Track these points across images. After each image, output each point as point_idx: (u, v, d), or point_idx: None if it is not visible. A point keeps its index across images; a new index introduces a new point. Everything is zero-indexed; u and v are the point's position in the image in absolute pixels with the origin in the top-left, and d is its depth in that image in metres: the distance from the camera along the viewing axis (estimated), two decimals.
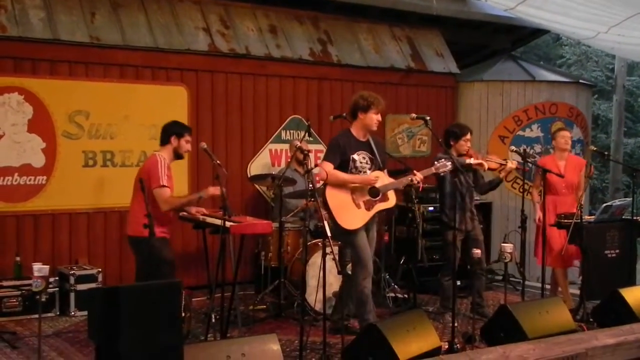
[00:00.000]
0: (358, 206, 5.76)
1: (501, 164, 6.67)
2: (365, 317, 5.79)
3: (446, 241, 6.63)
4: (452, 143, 6.69)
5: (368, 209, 5.79)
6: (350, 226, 5.72)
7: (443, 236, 6.72)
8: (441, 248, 7.02)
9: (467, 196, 6.66)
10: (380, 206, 5.86)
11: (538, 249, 6.94)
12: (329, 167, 5.72)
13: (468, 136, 6.71)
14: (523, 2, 7.93)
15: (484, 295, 6.90)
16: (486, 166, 6.57)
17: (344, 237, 5.75)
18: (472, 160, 6.47)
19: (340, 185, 5.73)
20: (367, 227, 5.87)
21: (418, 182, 5.84)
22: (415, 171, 5.89)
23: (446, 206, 6.65)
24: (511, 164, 6.64)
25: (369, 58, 9.11)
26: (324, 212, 5.35)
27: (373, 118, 5.82)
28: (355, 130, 5.91)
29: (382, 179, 5.86)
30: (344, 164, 5.78)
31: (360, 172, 5.82)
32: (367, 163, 5.86)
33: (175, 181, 5.74)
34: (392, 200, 5.97)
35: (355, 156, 5.81)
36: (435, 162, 6.14)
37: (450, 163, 5.99)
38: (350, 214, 5.73)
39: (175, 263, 5.67)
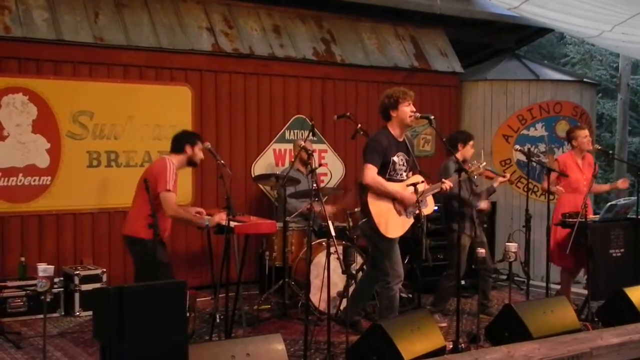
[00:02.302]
0: (399, 213, 5.55)
1: (496, 175, 7.15)
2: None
3: (452, 245, 6.64)
4: (460, 148, 6.74)
5: (408, 215, 5.59)
6: (393, 234, 5.55)
7: (450, 240, 6.74)
8: (446, 248, 7.05)
9: (474, 205, 6.73)
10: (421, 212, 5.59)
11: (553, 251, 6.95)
12: (373, 171, 5.46)
13: (472, 142, 6.92)
14: (527, 0, 7.90)
15: (490, 296, 6.91)
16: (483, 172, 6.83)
17: (380, 242, 5.60)
18: (498, 179, 7.01)
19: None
20: None
21: (448, 189, 5.74)
22: (444, 179, 5.75)
23: (456, 213, 6.61)
24: (506, 177, 7.16)
25: (373, 57, 9.11)
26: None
27: (406, 111, 5.57)
28: (393, 129, 5.64)
29: (421, 183, 5.60)
30: (384, 166, 5.52)
31: (398, 174, 5.62)
32: (404, 165, 5.66)
33: (179, 181, 5.74)
34: (431, 205, 5.79)
35: (395, 158, 5.57)
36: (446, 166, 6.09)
37: (482, 164, 6.03)
38: (393, 221, 5.54)
39: (171, 265, 5.65)
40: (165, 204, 5.39)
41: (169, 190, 5.43)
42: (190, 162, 5.81)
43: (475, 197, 6.84)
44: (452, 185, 5.72)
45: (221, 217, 5.58)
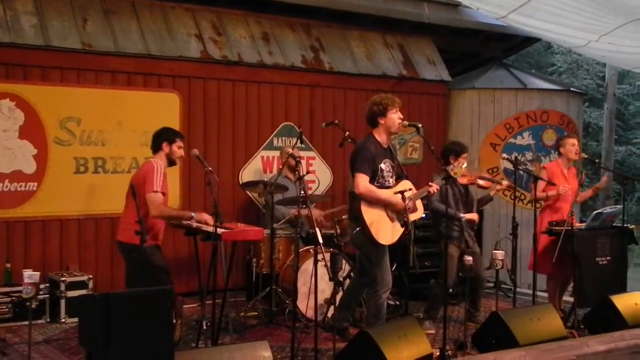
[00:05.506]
0: (392, 219, 5.53)
1: (493, 182, 6.94)
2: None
3: (442, 252, 6.65)
4: (452, 160, 6.69)
5: (400, 222, 5.54)
6: (387, 241, 5.54)
7: (439, 246, 6.75)
8: (434, 255, 7.06)
9: (464, 213, 6.71)
10: (411, 217, 5.55)
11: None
12: (365, 180, 5.42)
13: (466, 154, 6.80)
14: (514, 10, 7.96)
15: (479, 305, 6.88)
16: (481, 183, 6.74)
17: (372, 250, 5.56)
18: (480, 182, 6.75)
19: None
20: None
21: (434, 192, 5.73)
22: (430, 183, 5.72)
23: (443, 219, 6.62)
24: (502, 185, 6.91)
25: (361, 65, 9.13)
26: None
27: (394, 118, 5.54)
28: (379, 136, 5.62)
29: (409, 191, 5.57)
30: (373, 174, 5.49)
31: (386, 181, 5.60)
32: (390, 171, 5.64)
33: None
34: (420, 210, 5.78)
35: (382, 166, 5.55)
36: (435, 176, 6.10)
37: (463, 165, 5.99)
38: (386, 229, 5.51)
39: (168, 269, 5.64)
40: (150, 205, 5.39)
41: (156, 192, 5.43)
42: (169, 161, 5.74)
43: (468, 206, 6.82)
44: (438, 187, 5.71)
45: (208, 218, 5.58)
